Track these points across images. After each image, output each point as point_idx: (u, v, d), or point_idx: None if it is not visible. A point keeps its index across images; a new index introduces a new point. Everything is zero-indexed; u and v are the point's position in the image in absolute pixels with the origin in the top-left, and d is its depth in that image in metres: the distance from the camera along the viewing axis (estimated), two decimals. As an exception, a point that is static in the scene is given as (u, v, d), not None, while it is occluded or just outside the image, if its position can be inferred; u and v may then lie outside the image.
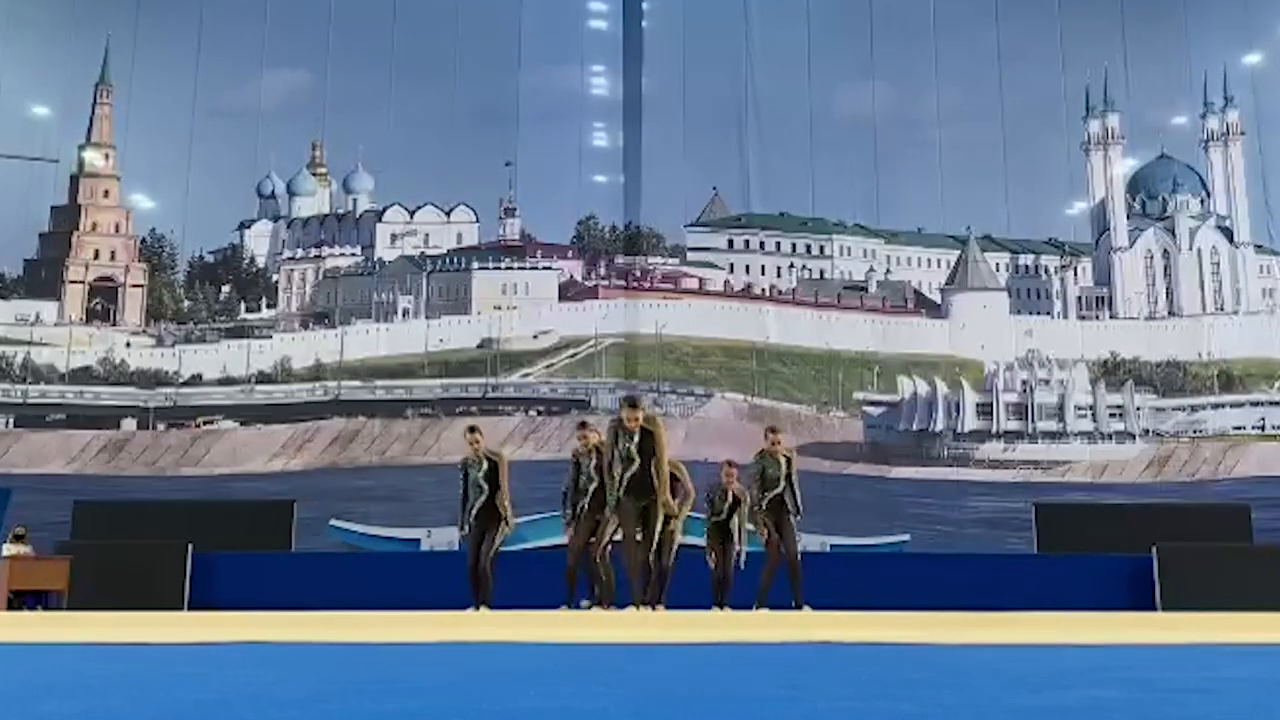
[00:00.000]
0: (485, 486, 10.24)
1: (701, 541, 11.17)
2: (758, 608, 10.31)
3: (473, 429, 10.70)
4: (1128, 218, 22.70)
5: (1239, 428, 21.23)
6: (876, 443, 20.87)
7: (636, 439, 9.16)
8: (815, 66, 21.33)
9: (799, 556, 10.63)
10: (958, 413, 21.26)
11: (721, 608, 10.74)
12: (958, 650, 4.62)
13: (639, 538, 9.05)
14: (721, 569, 10.96)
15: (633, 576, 9.04)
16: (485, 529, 10.23)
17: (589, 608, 9.97)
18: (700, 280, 21.96)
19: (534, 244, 22.15)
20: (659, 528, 9.25)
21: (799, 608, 10.17)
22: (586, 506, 10.01)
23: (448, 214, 22.30)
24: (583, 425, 10.53)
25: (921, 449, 21.09)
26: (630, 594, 9.10)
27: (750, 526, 10.97)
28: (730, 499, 11.01)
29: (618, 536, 10.03)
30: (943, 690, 2.87)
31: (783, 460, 10.78)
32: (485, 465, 10.28)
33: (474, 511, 10.26)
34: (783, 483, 10.68)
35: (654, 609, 9.12)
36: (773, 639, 5.06)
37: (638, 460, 9.13)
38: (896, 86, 22.17)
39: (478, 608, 9.97)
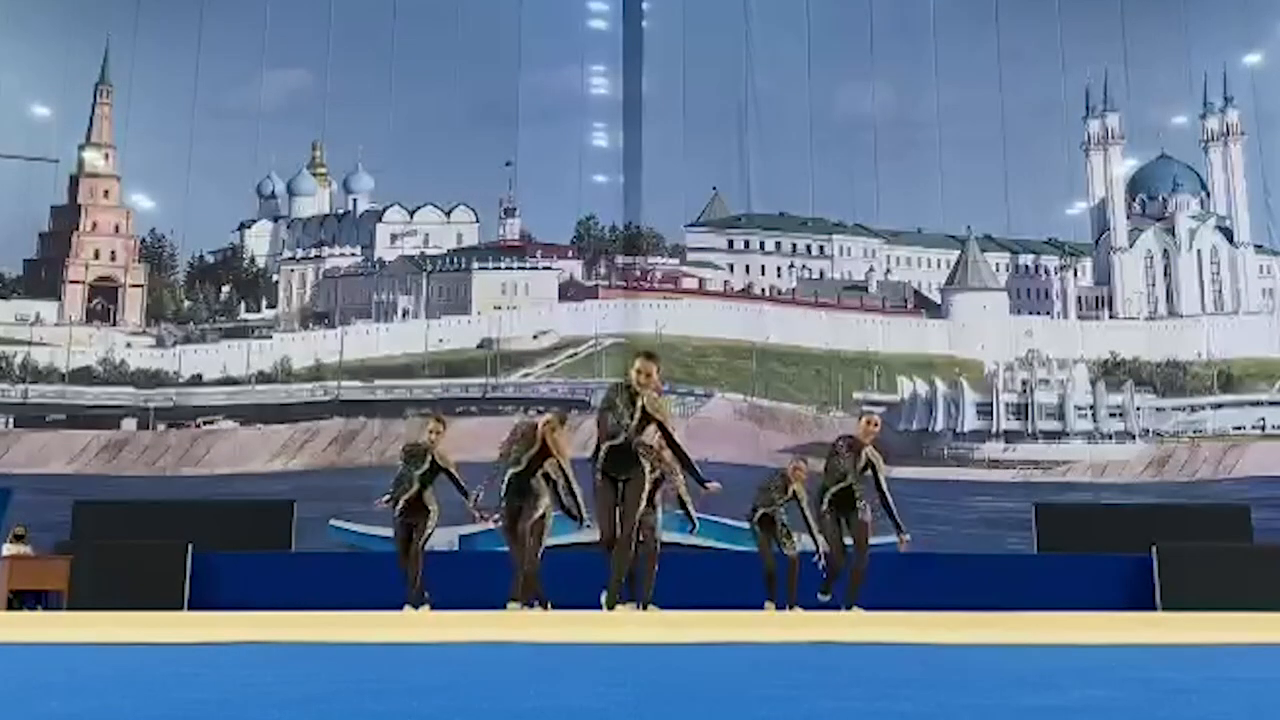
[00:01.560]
0: (418, 484, 10.08)
1: (700, 541, 11.11)
2: (851, 608, 9.65)
3: (439, 419, 10.42)
4: (1128, 218, 22.69)
5: (1239, 428, 21.21)
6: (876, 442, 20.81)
7: (636, 417, 7.85)
8: (815, 66, 21.33)
9: (866, 558, 9.82)
10: (958, 413, 21.25)
11: (788, 605, 10.49)
12: (958, 650, 4.62)
13: (619, 528, 7.84)
14: (770, 562, 10.85)
15: (617, 577, 8.06)
16: (413, 522, 10.11)
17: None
18: (700, 280, 21.94)
19: (534, 244, 22.13)
20: (641, 506, 8.16)
21: (849, 607, 9.57)
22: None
23: (448, 214, 22.28)
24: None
25: (921, 449, 21.07)
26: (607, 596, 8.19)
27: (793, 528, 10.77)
28: (789, 494, 10.88)
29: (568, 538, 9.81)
30: (943, 690, 2.87)
31: (863, 455, 10.04)
32: (428, 464, 10.10)
33: (401, 504, 10.09)
34: (850, 476, 9.96)
35: (645, 609, 8.92)
36: (773, 639, 5.06)
37: (620, 438, 7.87)
38: (896, 86, 22.16)
39: (417, 606, 9.75)
